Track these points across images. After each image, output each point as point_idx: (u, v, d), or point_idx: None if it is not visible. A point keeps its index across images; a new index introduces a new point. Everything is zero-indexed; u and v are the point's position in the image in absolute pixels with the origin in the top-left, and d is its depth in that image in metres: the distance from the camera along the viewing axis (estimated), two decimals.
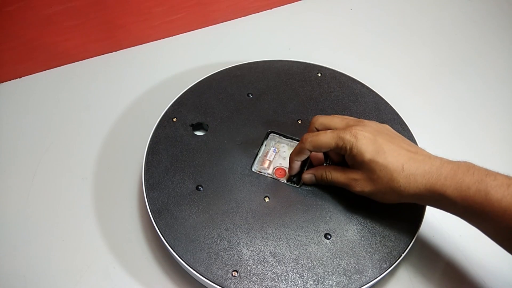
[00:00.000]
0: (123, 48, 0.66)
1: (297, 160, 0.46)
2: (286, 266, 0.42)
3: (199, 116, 0.53)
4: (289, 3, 0.73)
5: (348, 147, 0.41)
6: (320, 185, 0.47)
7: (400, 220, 0.45)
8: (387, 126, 0.44)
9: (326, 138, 0.43)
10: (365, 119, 0.45)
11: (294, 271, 0.42)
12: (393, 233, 0.44)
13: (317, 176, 0.46)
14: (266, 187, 0.47)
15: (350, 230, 0.44)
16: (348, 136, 0.41)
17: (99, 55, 0.65)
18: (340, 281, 0.41)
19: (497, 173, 0.37)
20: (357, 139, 0.41)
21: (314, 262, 0.42)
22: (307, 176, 0.47)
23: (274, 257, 0.43)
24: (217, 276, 0.41)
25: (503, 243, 0.37)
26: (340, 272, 0.42)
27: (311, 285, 0.41)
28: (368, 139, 0.41)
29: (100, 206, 0.51)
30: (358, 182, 0.42)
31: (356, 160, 0.41)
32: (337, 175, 0.44)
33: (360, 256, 0.43)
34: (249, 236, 0.44)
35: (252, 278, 0.41)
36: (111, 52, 0.66)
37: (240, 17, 0.71)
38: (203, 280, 0.42)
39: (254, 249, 0.43)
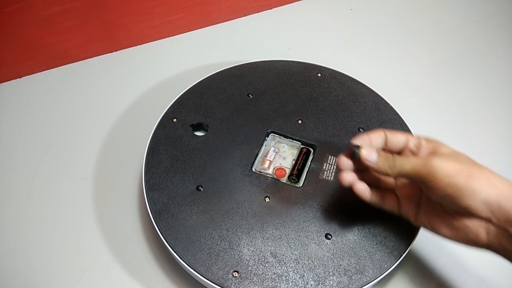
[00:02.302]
0: (123, 48, 0.66)
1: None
2: (286, 267, 0.42)
3: (199, 116, 0.53)
4: (289, 3, 0.73)
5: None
6: (323, 186, 0.47)
7: (400, 220, 0.44)
8: None
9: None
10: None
11: (295, 271, 0.42)
12: (393, 233, 0.44)
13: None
14: (266, 187, 0.47)
15: (350, 230, 0.44)
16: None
17: (99, 55, 0.65)
18: (341, 281, 0.41)
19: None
20: None
21: (315, 262, 0.42)
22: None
23: (275, 257, 0.43)
24: (218, 277, 0.41)
25: None
26: (340, 272, 0.42)
27: (312, 285, 0.41)
28: None
29: (100, 206, 0.51)
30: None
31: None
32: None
33: (360, 256, 0.43)
34: (250, 237, 0.44)
35: (253, 278, 0.41)
36: (111, 52, 0.66)
37: (240, 17, 0.71)
38: (204, 281, 0.42)
39: (255, 249, 0.43)
